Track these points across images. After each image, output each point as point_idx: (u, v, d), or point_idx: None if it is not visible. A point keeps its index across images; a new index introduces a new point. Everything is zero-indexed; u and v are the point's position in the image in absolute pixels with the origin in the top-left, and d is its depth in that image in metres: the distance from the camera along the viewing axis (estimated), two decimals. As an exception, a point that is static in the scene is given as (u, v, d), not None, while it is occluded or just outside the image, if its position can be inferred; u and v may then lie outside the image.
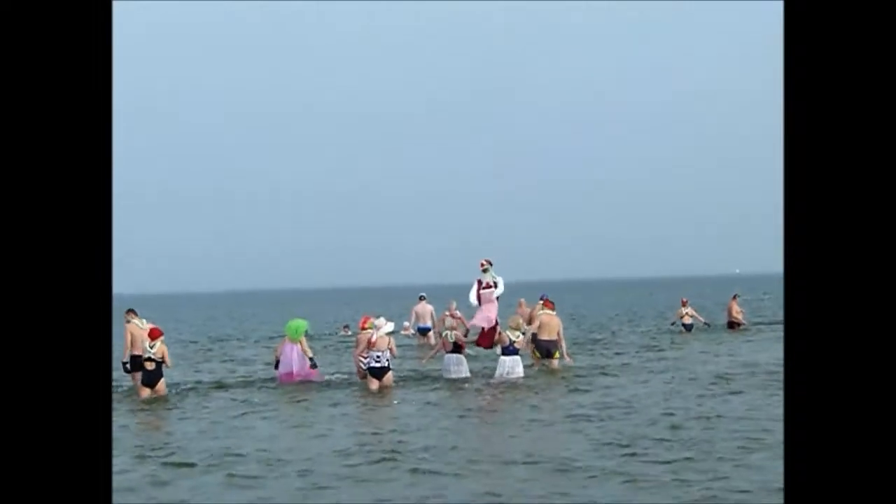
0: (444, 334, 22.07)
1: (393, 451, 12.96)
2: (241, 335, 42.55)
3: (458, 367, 21.60)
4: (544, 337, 23.17)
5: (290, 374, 21.44)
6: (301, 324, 21.95)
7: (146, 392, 19.40)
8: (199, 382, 22.23)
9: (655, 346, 29.15)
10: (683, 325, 35.25)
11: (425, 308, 31.73)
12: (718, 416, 15.15)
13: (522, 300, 28.12)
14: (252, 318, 68.46)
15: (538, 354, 23.18)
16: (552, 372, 22.65)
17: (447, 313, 27.27)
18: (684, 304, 36.22)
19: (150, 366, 19.35)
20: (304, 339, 21.87)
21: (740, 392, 18.03)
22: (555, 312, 23.54)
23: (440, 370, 22.60)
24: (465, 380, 21.19)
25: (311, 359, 21.81)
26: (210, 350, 33.90)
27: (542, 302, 24.35)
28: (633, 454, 12.36)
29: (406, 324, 34.32)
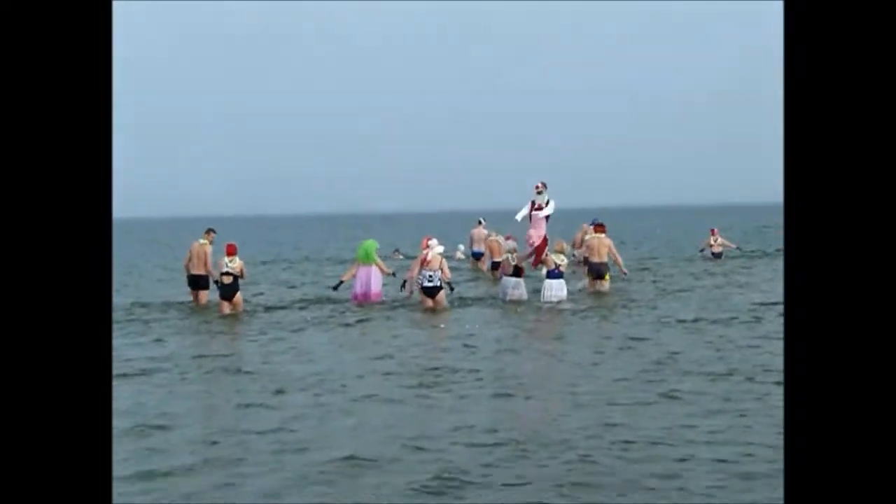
0: (504, 257, 22.64)
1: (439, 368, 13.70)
2: (308, 255, 43.77)
3: (516, 290, 21.88)
4: (595, 259, 23.69)
5: (367, 294, 22.06)
6: (371, 244, 22.23)
7: (226, 306, 20.37)
8: (281, 301, 22.97)
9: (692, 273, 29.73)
10: (713, 253, 36.39)
11: (481, 233, 31.97)
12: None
13: (585, 224, 28.65)
14: (308, 240, 69.47)
15: (591, 276, 23.70)
16: (599, 295, 23.13)
17: (501, 237, 27.65)
18: (714, 234, 37.26)
19: (227, 279, 20.35)
20: (378, 259, 22.39)
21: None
22: (604, 234, 23.92)
23: (496, 292, 23.27)
24: (518, 302, 21.60)
25: (392, 273, 22.94)
26: (287, 268, 35.20)
27: (591, 226, 24.81)
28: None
29: (461, 247, 34.72)
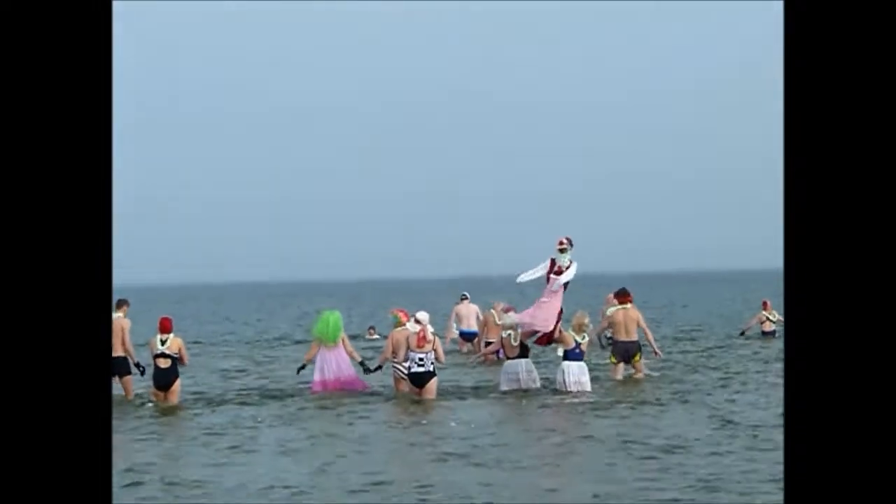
0: (505, 334, 18.25)
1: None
2: (252, 335, 38.45)
3: (528, 375, 17.56)
4: (622, 337, 19.27)
5: (325, 381, 17.87)
6: (336, 318, 17.88)
7: (161, 396, 16.41)
8: (219, 392, 18.93)
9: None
10: (763, 332, 28.26)
11: (469, 308, 27.12)
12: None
13: (611, 295, 23.12)
14: (254, 312, 62.93)
15: (614, 359, 19.37)
16: (634, 382, 18.97)
17: (499, 308, 23.51)
18: (766, 307, 28.80)
19: (163, 363, 16.30)
20: (345, 338, 18.06)
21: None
22: (630, 305, 19.60)
23: (490, 380, 19.18)
24: (524, 392, 17.62)
25: (361, 363, 17.94)
26: (225, 350, 30.38)
27: (612, 296, 20.56)
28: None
29: (453, 325, 30.18)
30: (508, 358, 17.83)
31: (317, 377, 17.61)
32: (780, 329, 27.80)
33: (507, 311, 18.84)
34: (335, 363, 17.68)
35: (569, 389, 17.29)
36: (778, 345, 25.74)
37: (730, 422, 13.83)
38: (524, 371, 17.69)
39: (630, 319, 18.84)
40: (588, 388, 17.44)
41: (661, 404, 15.86)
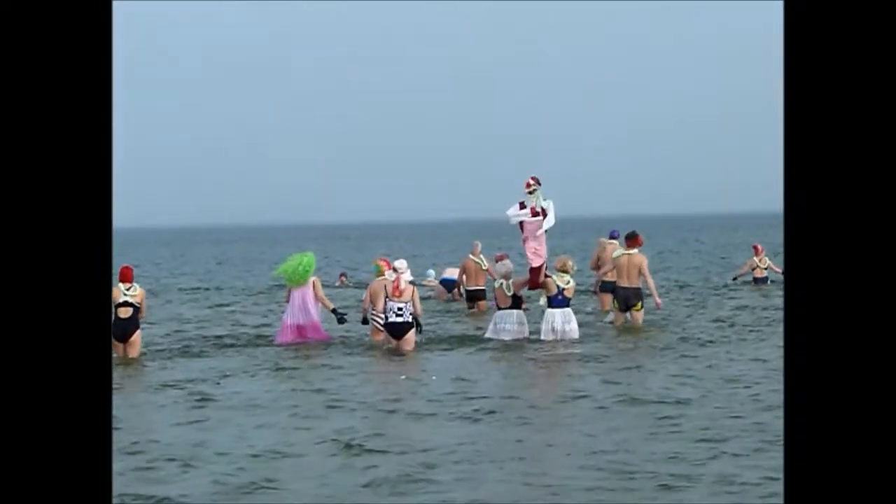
0: (498, 284, 17.21)
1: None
2: (223, 283, 36.85)
3: (521, 326, 16.67)
4: (623, 283, 18.10)
5: (302, 326, 16.56)
6: (308, 259, 16.72)
7: (120, 348, 15.36)
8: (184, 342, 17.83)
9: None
10: (755, 278, 27.31)
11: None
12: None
13: (603, 238, 20.99)
14: (217, 258, 60.28)
15: (616, 305, 18.29)
16: (633, 330, 17.78)
17: (478, 250, 22.02)
18: (757, 252, 27.97)
19: (124, 313, 15.20)
20: (317, 282, 16.91)
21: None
22: (636, 250, 18.47)
23: (471, 330, 18.21)
24: (513, 343, 16.53)
25: (334, 311, 16.86)
26: (192, 298, 28.93)
27: (610, 240, 19.45)
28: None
29: (430, 273, 28.63)
30: (500, 308, 16.85)
31: (289, 320, 16.64)
32: (772, 275, 27.19)
33: (499, 259, 17.87)
34: (299, 305, 16.59)
35: (554, 338, 16.43)
36: (771, 291, 24.94)
37: (729, 380, 12.88)
38: (516, 322, 16.77)
39: (633, 265, 17.78)
40: (575, 335, 16.60)
41: (656, 356, 15.00)
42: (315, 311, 16.66)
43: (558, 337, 16.45)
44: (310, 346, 16.36)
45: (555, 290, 16.53)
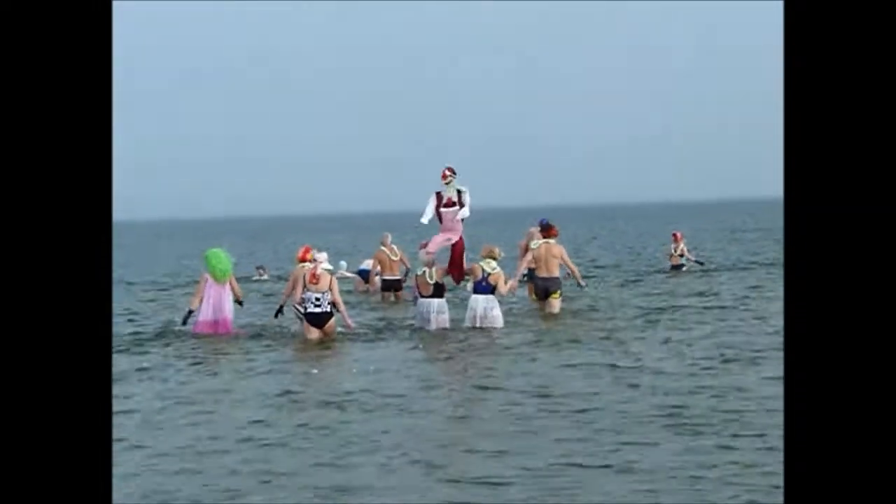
0: (420, 272, 17.25)
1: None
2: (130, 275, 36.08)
3: (440, 315, 16.63)
4: (542, 273, 18.36)
5: (216, 321, 16.71)
6: (225, 255, 17.07)
7: None
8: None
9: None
10: (671, 265, 28.40)
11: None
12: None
13: (533, 228, 22.04)
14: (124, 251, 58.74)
15: (536, 296, 18.61)
16: (550, 318, 17.80)
17: (388, 241, 22.20)
18: (677, 240, 28.97)
19: None
20: (233, 277, 17.13)
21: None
22: (555, 240, 18.74)
23: (401, 319, 18.17)
24: (432, 331, 16.40)
25: (240, 302, 17.19)
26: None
27: (536, 229, 19.69)
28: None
29: (343, 263, 28.58)
30: (422, 296, 16.85)
31: (209, 314, 16.76)
32: (687, 263, 27.67)
33: (423, 247, 17.91)
34: (221, 302, 16.85)
35: (477, 325, 16.44)
36: (686, 279, 25.38)
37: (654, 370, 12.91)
38: (436, 311, 16.72)
39: (552, 255, 18.11)
40: (499, 323, 16.58)
41: (574, 344, 15.05)
42: (229, 306, 16.90)
43: (479, 324, 16.42)
44: (224, 338, 16.31)
45: (480, 276, 16.56)
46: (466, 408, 10.85)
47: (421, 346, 15.17)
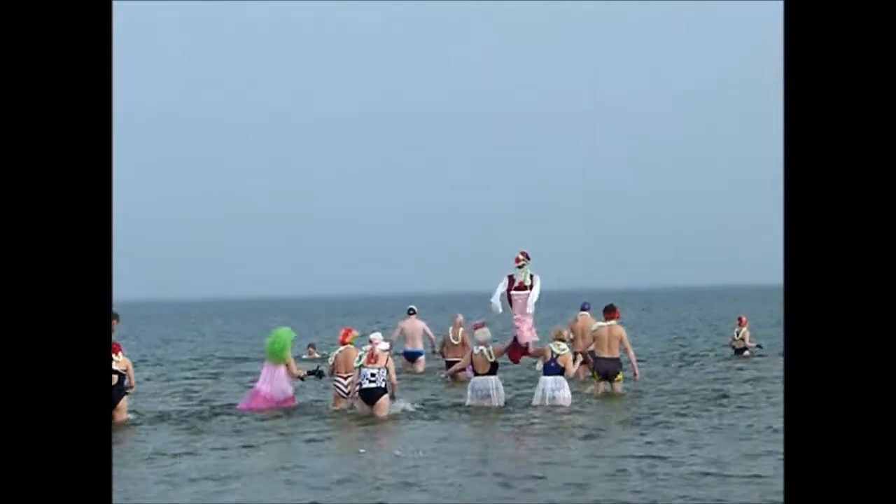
0: (477, 350, 17.17)
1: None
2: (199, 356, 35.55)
3: (497, 392, 16.90)
4: (604, 354, 18.26)
5: (269, 395, 16.95)
6: (286, 333, 17.29)
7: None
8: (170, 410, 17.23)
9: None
10: (734, 349, 27.06)
11: (415, 325, 24.47)
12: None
13: (583, 313, 21.01)
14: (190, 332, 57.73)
15: (597, 376, 18.37)
16: (614, 398, 17.78)
17: (458, 321, 22.14)
18: (742, 324, 27.47)
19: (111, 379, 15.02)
20: (290, 357, 17.30)
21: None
22: (616, 321, 18.56)
23: (443, 398, 17.79)
24: (493, 409, 16.46)
25: (309, 372, 17.41)
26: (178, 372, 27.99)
27: (585, 311, 19.48)
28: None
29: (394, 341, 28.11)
30: (477, 374, 17.07)
31: (262, 388, 17.11)
32: (749, 348, 26.94)
33: (477, 327, 17.84)
34: (275, 379, 17.16)
35: (545, 404, 16.61)
36: (750, 363, 24.57)
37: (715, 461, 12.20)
38: (493, 388, 16.99)
39: (613, 336, 18.19)
40: (567, 402, 16.74)
41: (642, 426, 14.44)
42: (285, 382, 17.18)
43: (547, 403, 16.66)
44: (274, 412, 16.40)
45: (549, 357, 16.91)
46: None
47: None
